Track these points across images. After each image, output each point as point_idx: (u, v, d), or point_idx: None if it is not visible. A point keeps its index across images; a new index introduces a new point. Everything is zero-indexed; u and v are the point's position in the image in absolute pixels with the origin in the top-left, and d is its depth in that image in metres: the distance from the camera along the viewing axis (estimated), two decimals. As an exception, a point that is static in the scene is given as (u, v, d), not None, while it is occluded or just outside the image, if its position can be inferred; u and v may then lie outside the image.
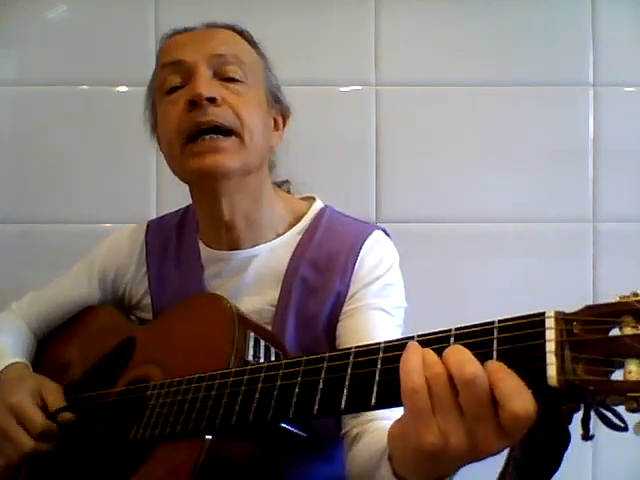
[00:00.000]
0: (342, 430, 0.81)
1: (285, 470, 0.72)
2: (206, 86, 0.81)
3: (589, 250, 1.36)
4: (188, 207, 1.01)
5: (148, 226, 1.03)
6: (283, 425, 0.65)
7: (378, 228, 0.94)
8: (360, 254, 0.88)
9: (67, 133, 1.36)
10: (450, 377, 0.47)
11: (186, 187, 0.89)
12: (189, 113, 0.81)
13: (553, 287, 1.34)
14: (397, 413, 0.73)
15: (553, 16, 1.36)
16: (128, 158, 1.36)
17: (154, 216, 1.31)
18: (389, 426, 0.56)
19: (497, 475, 0.49)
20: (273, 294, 0.89)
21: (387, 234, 0.95)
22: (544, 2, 1.36)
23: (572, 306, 0.48)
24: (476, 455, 0.46)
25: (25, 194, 1.36)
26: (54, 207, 1.36)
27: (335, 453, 0.88)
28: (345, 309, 0.87)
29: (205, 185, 0.85)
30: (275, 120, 0.93)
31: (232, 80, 0.84)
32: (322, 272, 0.88)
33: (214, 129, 0.81)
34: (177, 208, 1.04)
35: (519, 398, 0.44)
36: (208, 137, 0.81)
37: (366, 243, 0.89)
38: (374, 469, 0.64)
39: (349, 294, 0.87)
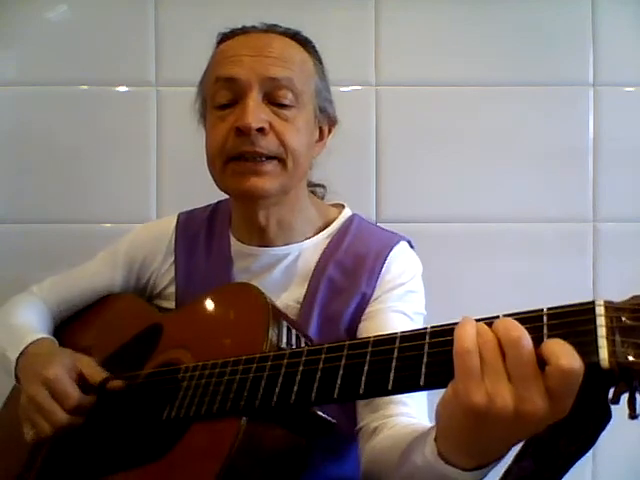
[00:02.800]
0: (358, 425, 0.83)
1: None
2: (255, 116, 0.83)
3: (589, 250, 1.36)
4: (218, 203, 1.04)
5: (178, 217, 1.05)
6: (317, 412, 0.67)
7: (404, 239, 0.97)
8: (387, 259, 0.91)
9: (67, 133, 1.36)
10: (499, 344, 0.49)
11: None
12: (235, 137, 0.84)
13: (553, 287, 1.33)
14: (414, 409, 0.79)
15: (553, 16, 1.36)
16: (128, 158, 1.36)
17: (154, 216, 1.33)
18: (408, 421, 0.60)
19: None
20: (299, 291, 0.92)
21: (412, 246, 0.98)
22: (544, 2, 1.36)
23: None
24: (521, 418, 0.47)
25: (25, 194, 1.36)
26: (54, 207, 1.36)
27: (345, 453, 0.89)
28: (368, 310, 0.89)
29: (244, 201, 0.91)
30: (321, 129, 0.94)
31: (282, 105, 0.86)
32: (349, 274, 0.91)
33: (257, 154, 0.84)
34: (207, 204, 1.06)
35: (567, 355, 0.46)
36: (251, 159, 0.84)
37: (393, 250, 0.93)
38: (408, 452, 0.64)
39: (373, 296, 0.90)
